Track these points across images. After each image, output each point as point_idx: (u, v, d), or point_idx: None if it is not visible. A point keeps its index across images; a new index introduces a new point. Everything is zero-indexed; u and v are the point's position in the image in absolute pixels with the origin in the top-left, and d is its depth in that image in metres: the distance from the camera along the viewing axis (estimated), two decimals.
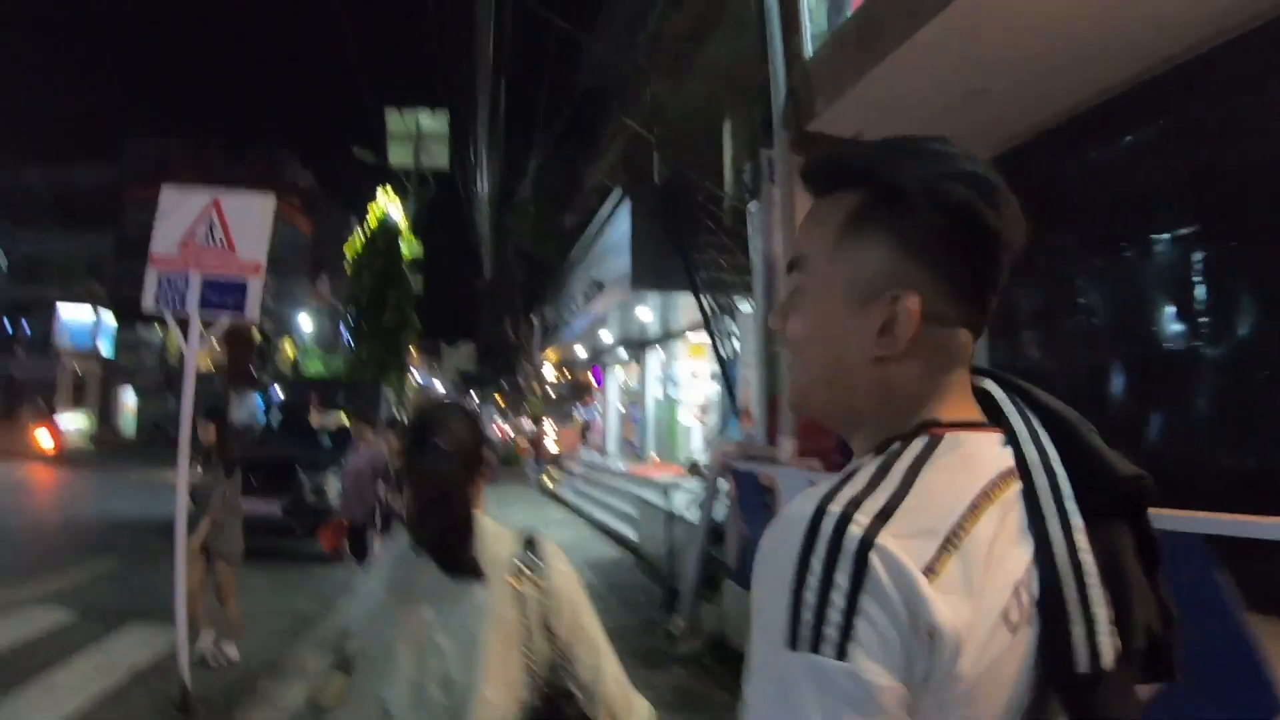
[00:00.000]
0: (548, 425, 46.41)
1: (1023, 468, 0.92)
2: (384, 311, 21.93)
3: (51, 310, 44.09)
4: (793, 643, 0.77)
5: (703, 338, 20.45)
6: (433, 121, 25.97)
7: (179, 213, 6.19)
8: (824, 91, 7.65)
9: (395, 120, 25.73)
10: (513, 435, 44.83)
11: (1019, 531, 0.88)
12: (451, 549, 1.97)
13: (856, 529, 0.79)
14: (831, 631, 0.76)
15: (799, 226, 1.04)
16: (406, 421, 2.55)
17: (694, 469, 15.48)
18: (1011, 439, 0.94)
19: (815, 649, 0.76)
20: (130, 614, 7.40)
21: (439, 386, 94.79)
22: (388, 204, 23.15)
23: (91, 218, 45.49)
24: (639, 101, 17.95)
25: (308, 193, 59.68)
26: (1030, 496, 0.90)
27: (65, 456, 32.92)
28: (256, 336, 51.09)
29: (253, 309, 6.07)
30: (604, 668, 1.99)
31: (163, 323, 6.08)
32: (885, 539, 0.79)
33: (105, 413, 43.52)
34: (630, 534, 14.13)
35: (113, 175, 48.71)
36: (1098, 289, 7.19)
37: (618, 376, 28.45)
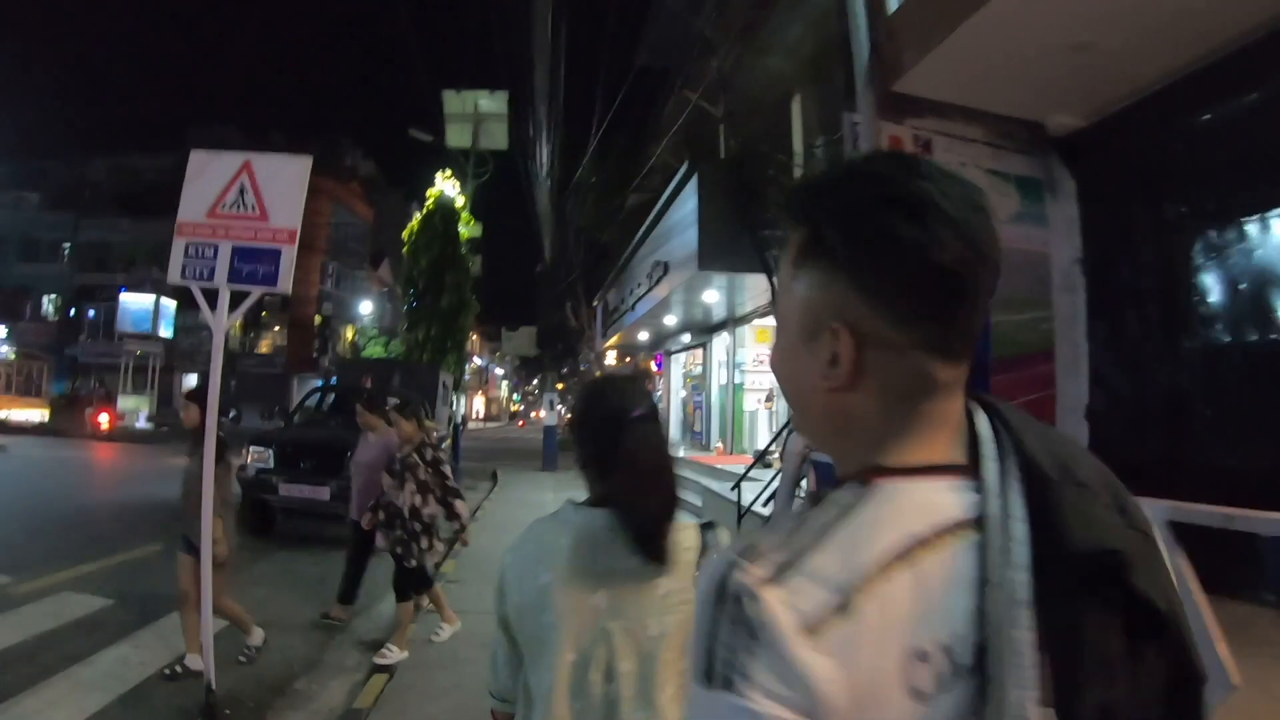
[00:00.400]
0: None
1: (984, 522, 0.88)
2: (441, 293, 21.38)
3: (115, 296, 44.73)
4: (702, 680, 0.82)
5: (771, 322, 19.99)
6: (491, 102, 25.22)
7: (208, 177, 5.70)
8: (911, 47, 6.90)
9: (453, 101, 25.08)
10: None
11: (959, 589, 0.86)
12: (660, 531, 1.85)
13: (751, 581, 0.82)
14: (729, 673, 0.80)
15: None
16: (578, 395, 2.28)
17: (761, 458, 14.93)
18: (981, 487, 0.91)
19: (721, 687, 0.80)
20: (168, 603, 6.93)
21: (496, 370, 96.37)
22: (445, 185, 22.63)
23: (153, 206, 45.81)
24: (703, 75, 17.23)
25: (369, 180, 59.98)
26: (983, 556, 0.87)
27: (123, 438, 33.26)
28: (318, 320, 51.67)
29: (285, 279, 5.50)
30: None
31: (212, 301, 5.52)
32: (768, 598, 0.81)
33: (165, 396, 44.11)
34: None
35: (175, 164, 48.63)
36: (1212, 266, 6.36)
37: (680, 362, 27.84)
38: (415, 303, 21.47)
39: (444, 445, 17.02)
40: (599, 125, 24.04)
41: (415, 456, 7.20)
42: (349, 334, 55.32)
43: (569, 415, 2.53)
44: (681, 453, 21.17)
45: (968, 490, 0.91)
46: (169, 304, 45.29)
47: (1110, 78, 6.48)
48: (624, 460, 1.86)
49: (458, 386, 22.29)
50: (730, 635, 0.81)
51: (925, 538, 0.86)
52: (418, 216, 22.16)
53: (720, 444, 20.39)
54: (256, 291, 5.57)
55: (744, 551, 0.86)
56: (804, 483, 7.09)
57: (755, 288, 15.67)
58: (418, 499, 7.01)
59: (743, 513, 9.50)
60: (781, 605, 0.80)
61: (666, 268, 16.33)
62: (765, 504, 9.33)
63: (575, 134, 27.11)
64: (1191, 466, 6.00)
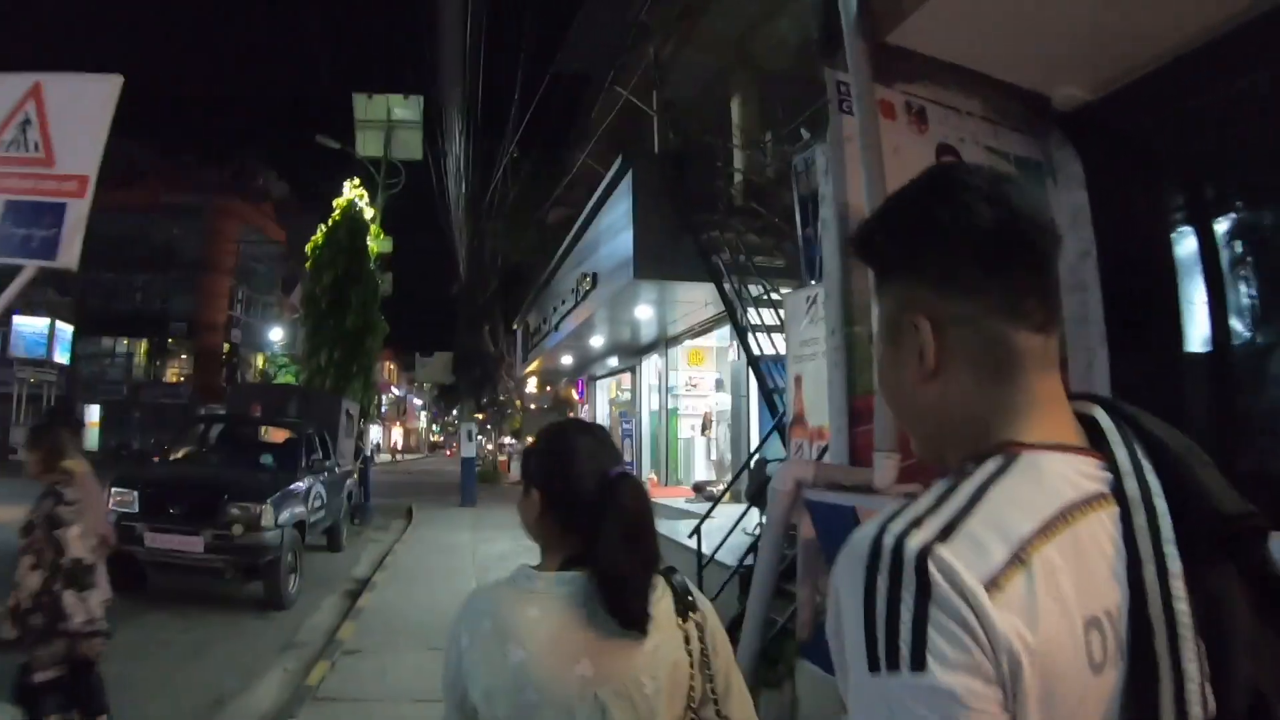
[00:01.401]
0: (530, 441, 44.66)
1: (1122, 502, 0.88)
2: (346, 313, 19.38)
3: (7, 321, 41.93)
4: (873, 665, 0.78)
5: (703, 343, 18.71)
6: (405, 108, 23.53)
7: None
8: None
9: (364, 106, 23.29)
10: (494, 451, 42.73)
11: (1108, 565, 0.85)
12: (640, 595, 1.70)
13: (914, 543, 0.79)
14: (904, 648, 0.76)
15: None
16: (531, 442, 1.93)
17: (700, 490, 13.48)
18: (1112, 468, 0.90)
19: (894, 668, 0.76)
20: None
21: (414, 400, 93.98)
22: (353, 195, 20.70)
23: None
24: (636, 68, 15.81)
25: (282, 202, 57.66)
26: (1128, 534, 0.86)
27: (14, 472, 30.57)
28: (226, 348, 49.17)
29: (69, 249, 3.71)
30: (743, 694, 1.89)
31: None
32: (942, 551, 0.78)
33: None
34: None
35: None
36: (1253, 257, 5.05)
37: (606, 388, 26.31)
38: (318, 324, 19.38)
39: (350, 481, 15.26)
40: (516, 132, 22.41)
41: (43, 508, 4.52)
42: (259, 362, 52.79)
43: (525, 463, 2.00)
44: None
45: (1096, 468, 0.90)
46: (65, 328, 42.40)
47: (1136, 32, 5.19)
48: (612, 521, 1.71)
49: (365, 416, 20.28)
50: (900, 606, 0.77)
51: (1077, 503, 0.85)
52: (322, 228, 20.13)
53: (653, 475, 18.81)
54: (29, 267, 3.78)
55: (893, 520, 0.83)
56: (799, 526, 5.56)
57: (692, 299, 14.22)
58: (34, 577, 4.44)
59: (704, 563, 7.86)
60: (959, 561, 0.77)
61: (595, 279, 14.82)
62: (744, 555, 7.69)
63: (494, 144, 25.30)
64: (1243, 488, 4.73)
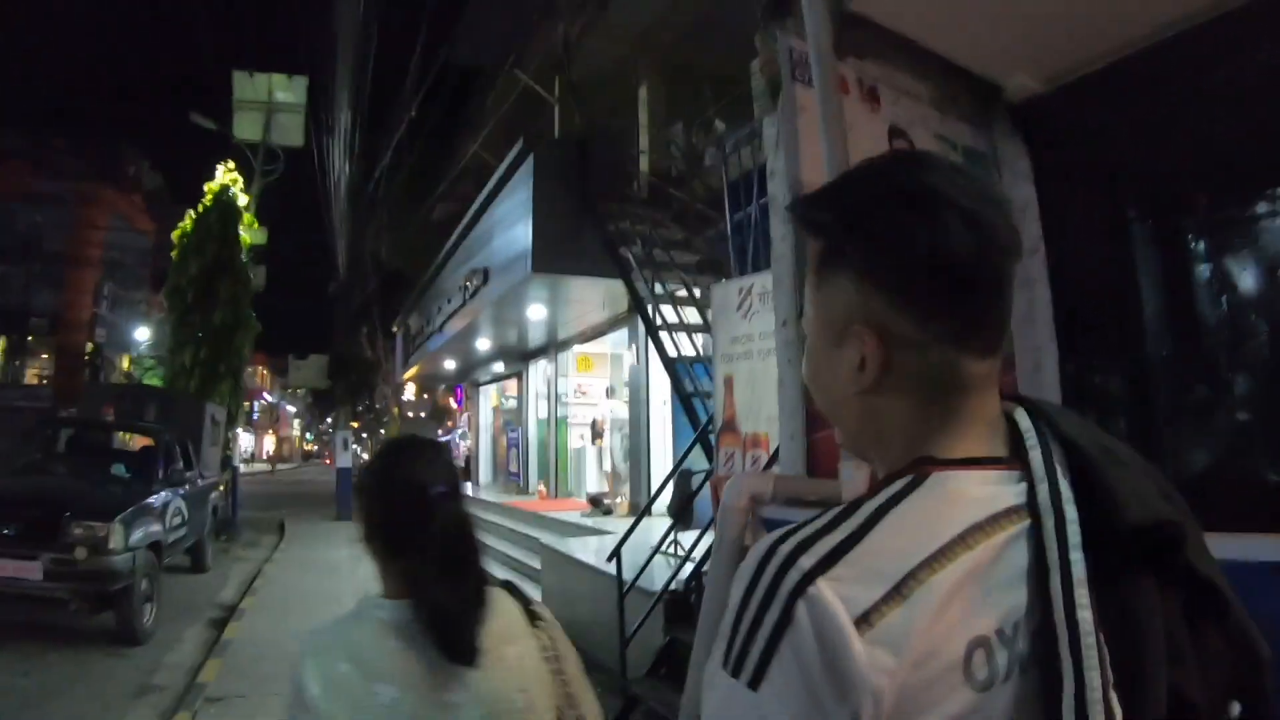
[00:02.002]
0: None
1: (1034, 511, 0.88)
2: (215, 308, 17.64)
3: None
4: (724, 661, 0.81)
5: (593, 348, 17.91)
6: (288, 90, 22.00)
7: None
8: None
9: (244, 85, 21.55)
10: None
11: (1013, 576, 0.85)
12: (469, 626, 1.64)
13: (795, 573, 0.80)
14: (750, 664, 0.79)
15: None
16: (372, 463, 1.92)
17: (596, 503, 12.71)
18: (1028, 479, 0.90)
19: (737, 675, 0.79)
20: None
21: (288, 408, 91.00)
22: (227, 179, 19.01)
23: None
24: (537, 52, 14.92)
25: (154, 194, 54.70)
26: (1036, 543, 0.86)
27: None
28: (90, 348, 46.22)
29: None
30: (597, 704, 1.91)
31: None
32: (821, 585, 0.79)
33: None
34: (525, 588, 10.92)
35: None
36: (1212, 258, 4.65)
37: (489, 395, 25.29)
38: (183, 318, 17.77)
39: (215, 495, 13.96)
40: (408, 111, 21.13)
41: None
42: (125, 363, 49.83)
43: (356, 481, 1.90)
44: (495, 497, 18.72)
45: (1014, 481, 0.90)
46: None
47: (1084, 34, 4.74)
48: (429, 549, 1.65)
49: (234, 422, 18.76)
50: (759, 627, 0.79)
51: (981, 524, 0.85)
52: (191, 214, 18.45)
53: (542, 486, 17.93)
54: None
55: (785, 538, 0.84)
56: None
57: (589, 299, 13.48)
58: None
59: (625, 590, 6.97)
60: (833, 594, 0.78)
61: (487, 275, 13.84)
62: (688, 582, 6.86)
63: (379, 135, 23.96)
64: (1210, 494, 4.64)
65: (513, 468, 20.81)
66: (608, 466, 16.65)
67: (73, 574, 8.13)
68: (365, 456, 39.03)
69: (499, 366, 22.13)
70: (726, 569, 4.50)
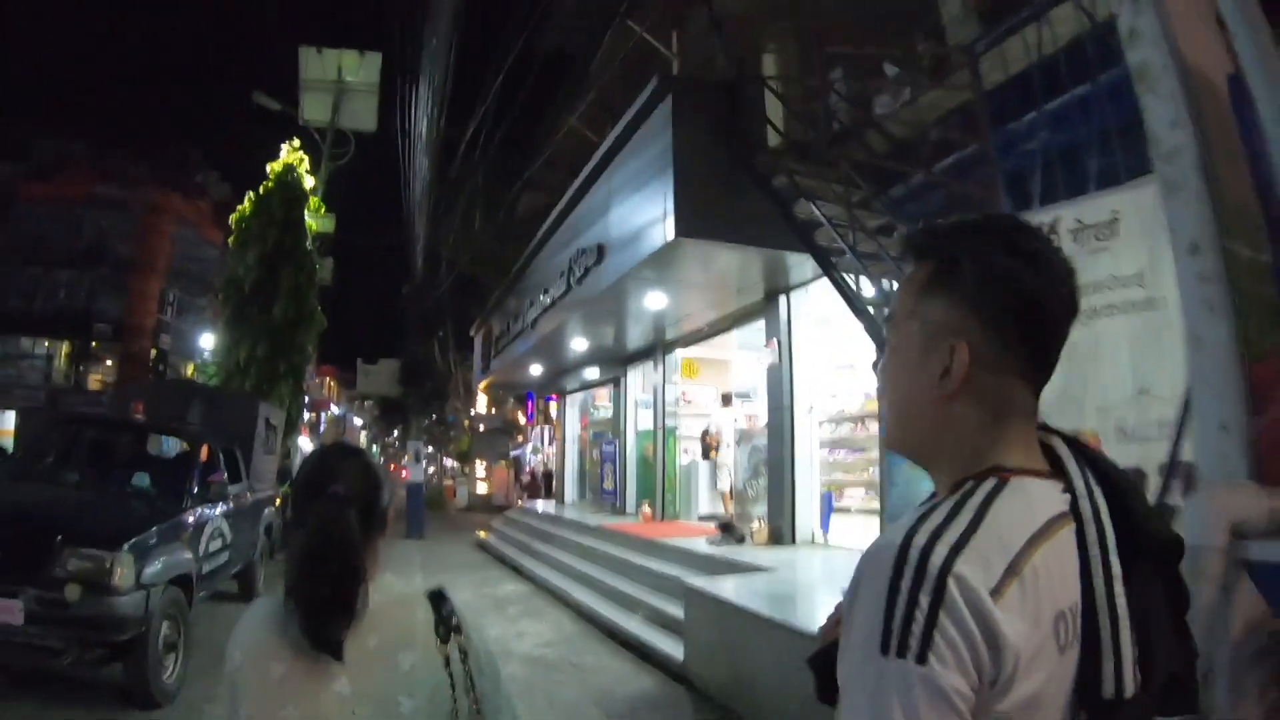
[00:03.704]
0: (478, 465, 41.48)
1: (1078, 517, 1.09)
2: (275, 299, 15.47)
3: None
4: (884, 649, 0.94)
5: (700, 353, 16.07)
6: (359, 68, 19.93)
7: None
8: None
9: (313, 63, 19.50)
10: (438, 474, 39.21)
11: (1070, 567, 1.06)
12: (325, 620, 1.71)
13: (937, 559, 0.97)
14: (914, 642, 0.93)
15: (895, 294, 1.34)
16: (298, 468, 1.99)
17: (727, 528, 11.33)
18: (1070, 491, 1.12)
19: (901, 655, 0.93)
20: None
21: (354, 420, 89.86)
22: (292, 158, 16.90)
23: None
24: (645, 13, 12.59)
25: (222, 204, 53.75)
26: (1082, 543, 1.08)
27: None
28: (154, 354, 45.12)
29: None
30: (511, 712, 1.98)
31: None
32: (960, 566, 0.96)
33: None
34: (649, 637, 8.93)
35: (11, 175, 43.16)
36: None
37: (577, 404, 23.02)
38: (239, 311, 15.64)
39: (270, 511, 11.76)
40: (490, 104, 18.89)
41: None
42: (189, 370, 48.67)
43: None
44: (585, 518, 16.39)
45: (1060, 491, 1.11)
46: None
47: None
48: (297, 542, 1.78)
49: (293, 428, 16.54)
50: (916, 607, 0.94)
51: (1054, 519, 1.07)
52: (250, 196, 16.30)
53: (647, 508, 15.46)
54: None
55: (916, 533, 1.00)
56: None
57: (725, 280, 11.20)
58: None
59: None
60: (972, 574, 0.95)
61: (601, 253, 11.46)
62: None
63: (460, 111, 21.85)
64: None
65: (607, 485, 18.36)
66: (724, 485, 14.29)
67: (63, 619, 5.98)
68: (430, 470, 37.06)
69: (591, 373, 19.78)
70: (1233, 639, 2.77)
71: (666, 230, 8.98)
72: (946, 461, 1.16)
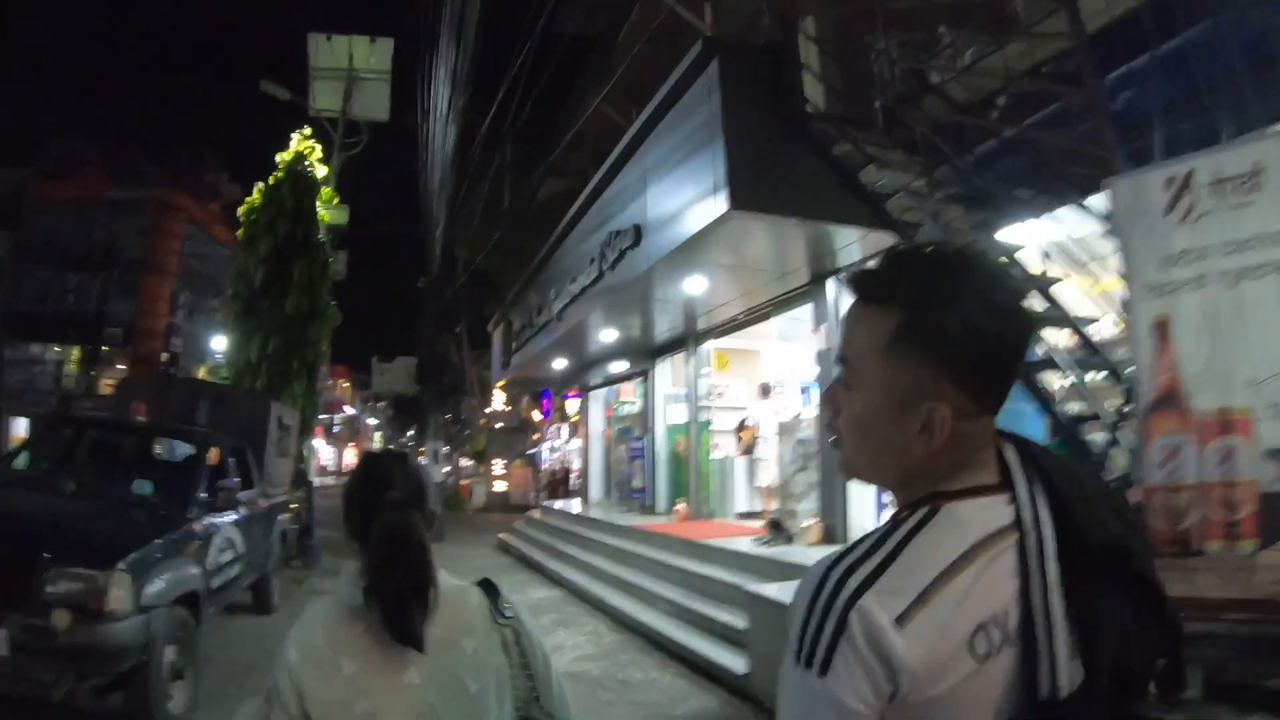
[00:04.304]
0: (497, 463, 40.75)
1: (1021, 528, 1.16)
2: (287, 293, 14.61)
3: None
4: (796, 659, 1.09)
5: (733, 344, 15.16)
6: (371, 55, 19.15)
7: None
8: None
9: (322, 50, 18.78)
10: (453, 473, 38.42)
11: (1005, 578, 1.13)
12: (408, 613, 1.84)
13: (845, 593, 1.08)
14: (817, 660, 1.06)
15: (843, 329, 1.27)
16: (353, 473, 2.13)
17: (777, 526, 10.60)
18: (1015, 502, 1.18)
19: (808, 667, 1.07)
20: None
21: (368, 421, 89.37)
22: (302, 147, 16.09)
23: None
24: None
25: (233, 206, 53.07)
26: (1022, 552, 1.15)
27: None
28: (164, 357, 44.52)
29: None
30: (561, 690, 2.06)
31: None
32: (867, 600, 1.06)
33: None
34: (702, 647, 8.24)
35: (24, 177, 42.75)
36: None
37: (601, 399, 22.22)
38: (249, 306, 14.82)
39: (284, 517, 11.03)
40: (509, 88, 18.01)
41: None
42: (201, 373, 48.04)
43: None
44: (613, 518, 15.65)
45: (1005, 503, 1.18)
46: None
47: None
48: (373, 543, 1.88)
49: (308, 429, 15.73)
50: (822, 631, 1.07)
51: (981, 541, 1.14)
52: (259, 187, 15.50)
53: (682, 505, 14.65)
54: None
55: (835, 565, 1.12)
56: None
57: (772, 260, 10.38)
58: None
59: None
60: (877, 604, 1.06)
61: (639, 234, 10.63)
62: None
63: (480, 103, 20.96)
64: None
65: (635, 483, 17.53)
66: (764, 481, 13.50)
67: (51, 650, 5.26)
68: (444, 470, 36.29)
69: (618, 366, 18.93)
70: None
71: (718, 204, 8.15)
72: (906, 489, 1.24)
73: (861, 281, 1.24)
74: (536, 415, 41.41)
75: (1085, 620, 1.12)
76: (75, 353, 43.39)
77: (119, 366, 44.50)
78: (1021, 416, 7.18)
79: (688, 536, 11.54)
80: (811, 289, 10.78)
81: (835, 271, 10.32)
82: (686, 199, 8.97)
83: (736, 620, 8.00)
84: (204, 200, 48.15)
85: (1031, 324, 1.22)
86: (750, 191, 8.07)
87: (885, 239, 8.79)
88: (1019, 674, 1.10)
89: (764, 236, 9.14)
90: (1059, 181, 6.50)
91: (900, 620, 1.05)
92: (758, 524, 12.45)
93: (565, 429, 38.32)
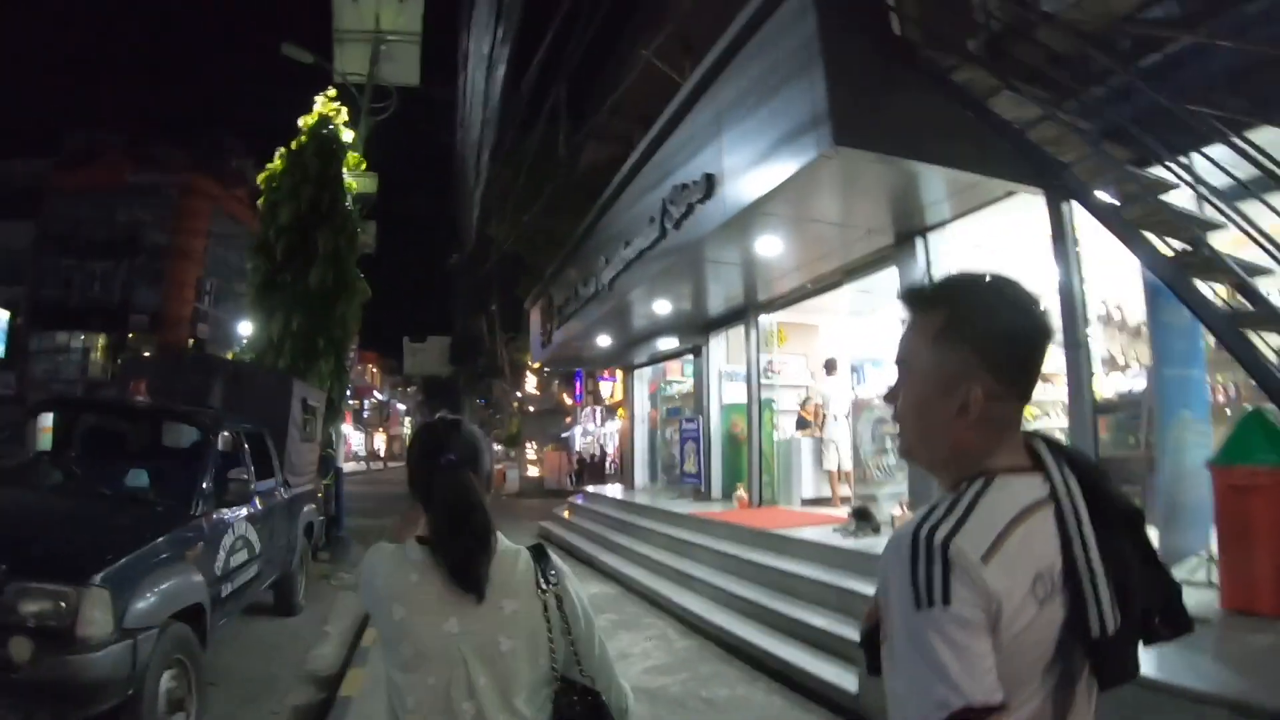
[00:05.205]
0: (528, 448, 39.83)
1: (1057, 500, 1.41)
2: (311, 265, 13.41)
3: None
4: (917, 605, 1.26)
5: (794, 319, 14.58)
6: (400, 15, 17.94)
7: None
8: None
9: (347, 10, 17.51)
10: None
11: (1049, 538, 1.37)
12: (473, 566, 2.03)
13: (939, 539, 1.29)
14: (937, 595, 1.25)
15: (900, 341, 1.56)
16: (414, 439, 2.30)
17: (864, 515, 9.40)
18: (1049, 481, 1.43)
19: (931, 605, 1.25)
20: None
21: (398, 406, 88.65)
22: (327, 109, 14.85)
23: (23, 210, 40.24)
24: None
25: (259, 191, 52.23)
26: (1060, 517, 1.39)
27: None
28: (191, 344, 43.82)
29: None
30: (604, 655, 2.18)
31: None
32: (958, 542, 1.29)
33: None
34: (796, 658, 7.06)
35: (45, 167, 42.63)
36: None
37: (645, 379, 21.02)
38: (270, 280, 13.64)
39: (309, 509, 9.90)
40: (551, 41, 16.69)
41: None
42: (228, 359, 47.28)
43: None
44: (662, 504, 14.72)
45: (1040, 482, 1.43)
46: None
47: None
48: (435, 503, 2.06)
49: (336, 412, 14.49)
50: (932, 571, 1.27)
51: (1029, 506, 1.38)
52: (281, 152, 14.27)
53: (743, 492, 13.44)
54: None
55: (924, 522, 1.34)
56: None
57: (865, 218, 9.14)
58: None
59: None
60: (967, 546, 1.28)
61: (711, 184, 9.26)
62: None
63: (518, 65, 19.69)
64: None
65: (688, 467, 16.25)
66: (831, 464, 12.29)
67: (10, 687, 4.16)
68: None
69: (667, 343, 17.66)
70: None
71: (819, 139, 6.86)
72: (954, 469, 1.48)
73: (916, 294, 1.56)
74: (567, 399, 40.44)
75: (1119, 572, 1.37)
76: (101, 341, 42.93)
77: (145, 354, 44.12)
78: (1189, 383, 6.41)
79: (758, 526, 10.40)
80: (895, 251, 9.54)
81: (924, 230, 9.07)
82: (773, 139, 7.66)
83: (831, 624, 7.17)
84: (229, 186, 47.55)
85: (1048, 329, 1.48)
86: (856, 125, 6.78)
87: (992, 187, 7.72)
88: (1069, 619, 1.34)
89: (862, 182, 7.82)
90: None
91: (984, 558, 1.28)
92: (827, 511, 11.52)
93: (599, 412, 37.25)
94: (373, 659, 7.26)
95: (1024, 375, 1.46)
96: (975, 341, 1.43)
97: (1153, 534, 1.56)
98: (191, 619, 5.25)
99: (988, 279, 1.50)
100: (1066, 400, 7.61)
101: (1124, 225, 5.52)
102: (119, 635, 4.36)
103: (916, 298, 1.55)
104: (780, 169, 7.59)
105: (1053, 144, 6.15)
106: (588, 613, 2.15)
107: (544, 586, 2.07)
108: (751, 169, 8.19)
